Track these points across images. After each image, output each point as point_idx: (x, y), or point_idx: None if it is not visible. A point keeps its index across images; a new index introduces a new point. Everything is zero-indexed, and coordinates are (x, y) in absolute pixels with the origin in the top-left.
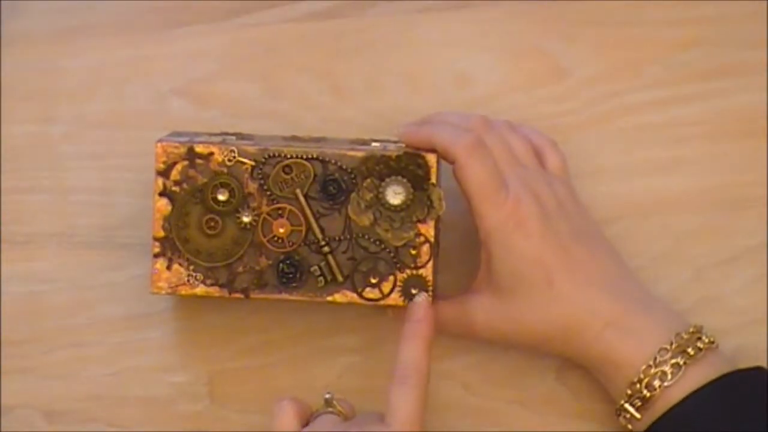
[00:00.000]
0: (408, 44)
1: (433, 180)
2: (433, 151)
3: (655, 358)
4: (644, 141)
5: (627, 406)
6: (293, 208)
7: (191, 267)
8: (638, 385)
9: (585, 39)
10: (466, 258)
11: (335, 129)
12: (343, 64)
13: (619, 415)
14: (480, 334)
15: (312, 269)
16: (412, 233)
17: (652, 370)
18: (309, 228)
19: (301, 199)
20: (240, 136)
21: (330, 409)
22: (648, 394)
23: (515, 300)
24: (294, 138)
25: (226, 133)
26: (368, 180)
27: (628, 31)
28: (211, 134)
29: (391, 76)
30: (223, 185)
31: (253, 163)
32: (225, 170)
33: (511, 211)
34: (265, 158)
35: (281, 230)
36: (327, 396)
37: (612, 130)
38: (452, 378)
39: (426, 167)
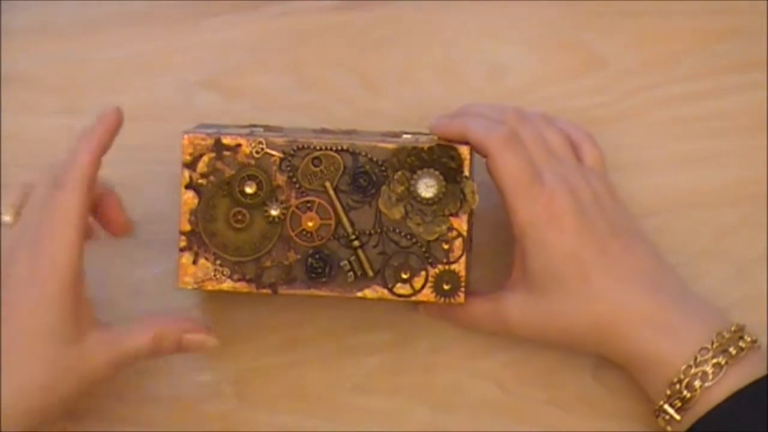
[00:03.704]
0: (441, 35)
1: (466, 173)
2: (466, 143)
3: (696, 358)
4: (681, 134)
5: (666, 407)
6: (322, 202)
7: (218, 261)
8: (678, 386)
9: (621, 30)
10: (500, 253)
11: (366, 121)
12: (375, 56)
13: (658, 416)
14: (514, 332)
15: (341, 264)
16: (444, 227)
17: (693, 370)
18: (338, 222)
19: (331, 192)
20: (268, 128)
21: None
22: (688, 395)
23: (550, 297)
24: (324, 131)
25: (254, 125)
26: (399, 172)
27: (664, 22)
28: (238, 126)
29: (424, 67)
30: (251, 178)
31: (281, 155)
32: (253, 162)
33: (545, 206)
34: (293, 150)
35: (310, 224)
36: None
37: (648, 123)
38: (486, 377)
39: (459, 159)
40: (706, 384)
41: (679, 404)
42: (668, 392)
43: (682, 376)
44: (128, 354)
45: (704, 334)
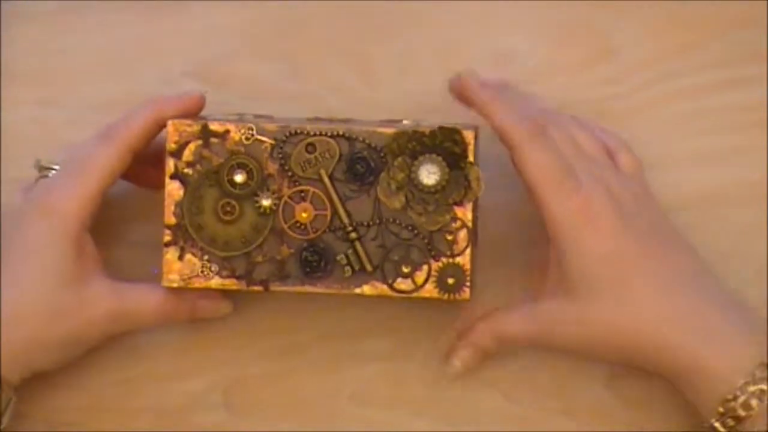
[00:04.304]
0: (443, 21)
1: (471, 158)
2: (471, 126)
3: (754, 374)
4: (701, 128)
5: (717, 425)
6: (317, 191)
7: (205, 257)
8: (733, 403)
9: (635, 16)
10: (510, 255)
11: (364, 113)
12: (373, 43)
13: None
14: (557, 345)
15: (338, 258)
16: (447, 217)
17: (751, 388)
18: (334, 212)
19: (326, 180)
20: (258, 117)
21: None
22: (743, 414)
23: (588, 303)
24: (317, 119)
25: (243, 114)
26: (399, 159)
27: (682, 7)
28: (226, 115)
29: (425, 55)
30: (241, 166)
31: (273, 142)
32: (242, 150)
33: (581, 204)
34: (286, 136)
35: (304, 215)
36: None
37: (665, 116)
38: (492, 386)
39: (463, 144)
40: (765, 402)
41: (732, 423)
42: (721, 410)
43: (738, 393)
44: (133, 311)
45: (760, 349)
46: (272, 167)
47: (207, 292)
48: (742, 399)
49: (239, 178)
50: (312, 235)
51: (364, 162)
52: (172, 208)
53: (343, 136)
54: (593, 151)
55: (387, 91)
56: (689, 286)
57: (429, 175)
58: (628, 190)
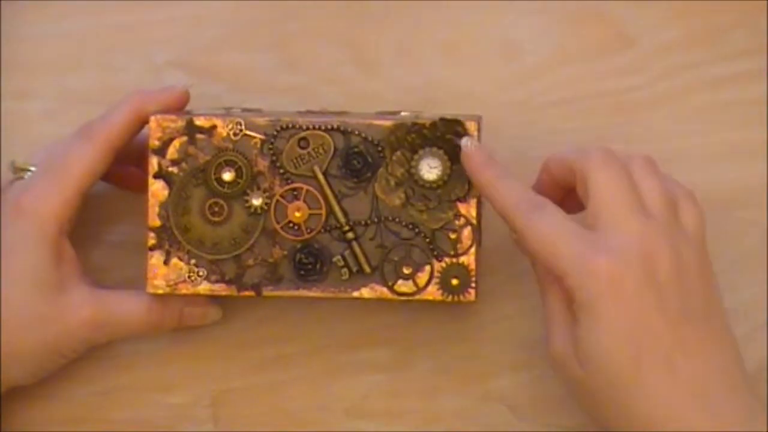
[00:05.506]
0: (447, 6)
1: None
2: (474, 117)
3: None
4: (726, 121)
5: None
6: (311, 189)
7: (193, 261)
8: None
9: (649, 2)
10: (514, 260)
11: (360, 106)
12: (370, 31)
13: None
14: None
15: (334, 260)
16: (450, 214)
17: None
18: (330, 211)
19: (320, 177)
20: (247, 110)
21: None
22: None
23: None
24: (309, 113)
25: (231, 108)
26: (398, 153)
27: None
28: (213, 109)
29: (426, 44)
30: (229, 163)
31: (263, 137)
32: (230, 146)
33: (610, 265)
34: (276, 131)
35: (297, 214)
36: None
37: (688, 108)
38: (498, 400)
39: (466, 135)
40: None
41: None
42: None
43: None
44: (115, 320)
45: None
46: (262, 164)
47: (194, 298)
48: None
49: (227, 176)
50: (306, 236)
51: (360, 157)
52: (157, 209)
53: (337, 129)
54: (655, 199)
55: (385, 82)
56: (710, 393)
57: (430, 169)
58: (677, 255)
